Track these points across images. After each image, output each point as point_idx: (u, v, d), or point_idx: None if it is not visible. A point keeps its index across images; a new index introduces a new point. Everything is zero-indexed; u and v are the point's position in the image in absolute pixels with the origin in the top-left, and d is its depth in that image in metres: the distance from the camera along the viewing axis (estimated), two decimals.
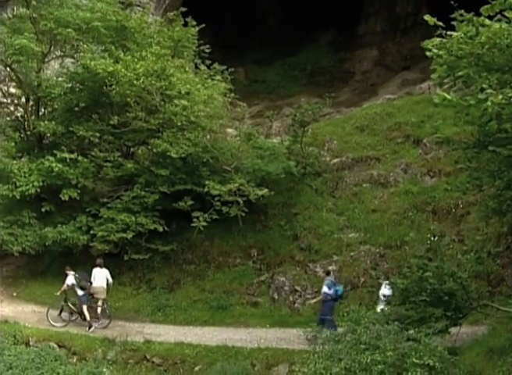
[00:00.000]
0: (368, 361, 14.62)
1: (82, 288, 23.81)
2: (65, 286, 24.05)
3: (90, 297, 23.85)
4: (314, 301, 22.69)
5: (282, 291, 24.57)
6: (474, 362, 16.23)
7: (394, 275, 21.62)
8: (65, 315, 24.21)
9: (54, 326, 23.86)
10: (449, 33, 14.07)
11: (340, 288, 21.83)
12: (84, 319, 23.76)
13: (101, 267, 24.15)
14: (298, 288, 24.40)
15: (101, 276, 24.06)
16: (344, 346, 15.68)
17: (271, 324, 23.33)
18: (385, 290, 20.99)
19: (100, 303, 23.98)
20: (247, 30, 45.82)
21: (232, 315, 24.30)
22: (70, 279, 23.98)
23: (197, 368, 20.93)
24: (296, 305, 24.14)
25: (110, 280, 24.29)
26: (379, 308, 20.54)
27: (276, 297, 24.58)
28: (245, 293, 25.11)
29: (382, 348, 14.74)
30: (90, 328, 23.44)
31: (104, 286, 24.08)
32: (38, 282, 27.35)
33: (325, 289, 21.59)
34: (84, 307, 23.61)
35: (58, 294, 24.25)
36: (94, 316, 23.86)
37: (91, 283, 23.93)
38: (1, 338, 22.38)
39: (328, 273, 22.39)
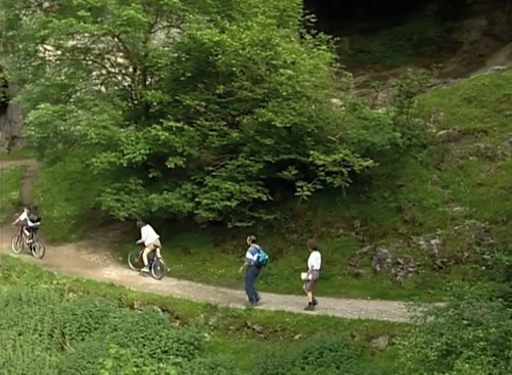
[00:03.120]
0: (470, 337, 14.42)
1: (32, 221, 28.29)
2: (17, 220, 28.96)
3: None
4: (242, 268, 23.41)
5: (385, 263, 24.40)
6: None
7: (499, 251, 21.24)
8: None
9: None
10: None
11: (262, 255, 22.97)
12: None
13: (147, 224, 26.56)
14: (400, 261, 24.16)
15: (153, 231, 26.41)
16: (446, 321, 15.51)
17: (372, 296, 23.22)
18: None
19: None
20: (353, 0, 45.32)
21: (333, 285, 24.30)
22: (23, 215, 28.55)
23: (296, 336, 21.07)
24: (398, 277, 23.93)
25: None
26: None
27: (378, 269, 24.44)
28: (347, 264, 25.05)
29: (485, 325, 14.50)
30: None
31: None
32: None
33: (248, 255, 22.97)
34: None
35: (13, 225, 29.37)
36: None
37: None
38: (107, 301, 23.07)
39: (254, 241, 23.31)
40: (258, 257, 22.93)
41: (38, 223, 28.89)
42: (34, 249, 28.49)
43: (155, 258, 26.35)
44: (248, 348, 21.10)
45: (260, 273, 23.70)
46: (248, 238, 23.68)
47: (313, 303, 22.48)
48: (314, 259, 22.44)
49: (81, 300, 23.22)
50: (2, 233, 31.00)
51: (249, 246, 23.32)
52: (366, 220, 25.97)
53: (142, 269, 26.48)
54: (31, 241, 28.60)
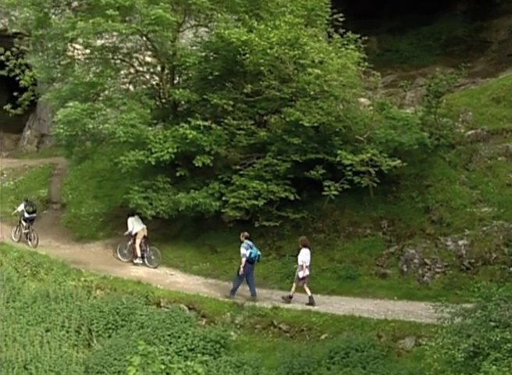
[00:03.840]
0: (498, 339, 14.32)
1: (28, 212, 29.79)
2: (15, 211, 30.74)
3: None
4: (241, 265, 23.56)
5: (412, 264, 24.27)
6: None
7: None
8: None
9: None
10: None
11: (254, 251, 23.58)
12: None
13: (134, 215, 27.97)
14: (428, 261, 24.02)
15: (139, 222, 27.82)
16: (473, 322, 15.39)
17: (399, 296, 23.13)
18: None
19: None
20: None
21: (360, 285, 24.25)
22: (21, 206, 30.28)
23: (323, 336, 21.04)
24: (425, 278, 23.80)
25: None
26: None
27: (405, 269, 24.31)
28: (374, 264, 24.95)
29: None
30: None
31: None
32: (170, 245, 28.07)
33: (242, 250, 23.56)
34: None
35: (12, 214, 31.28)
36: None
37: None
38: (134, 298, 23.21)
39: (247, 238, 23.84)
40: (250, 253, 23.49)
41: (34, 215, 30.41)
42: (30, 239, 29.91)
43: (148, 249, 27.66)
44: (274, 347, 21.14)
45: (253, 269, 24.04)
46: (241, 235, 24.09)
47: (290, 296, 23.32)
48: (304, 255, 23.17)
49: (108, 297, 23.40)
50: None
51: (242, 242, 23.83)
52: (393, 220, 25.86)
53: (135, 261, 27.69)
54: (27, 230, 30.10)
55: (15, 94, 34.52)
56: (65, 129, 27.36)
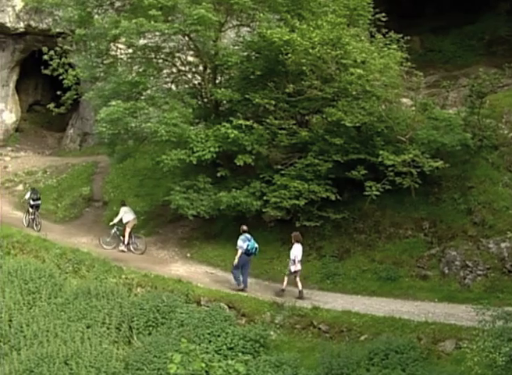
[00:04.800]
0: None
1: (33, 199, 32.17)
2: (23, 199, 33.51)
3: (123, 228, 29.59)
4: (237, 257, 24.39)
5: (453, 266, 24.04)
6: None
7: None
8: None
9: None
10: None
11: (251, 244, 24.35)
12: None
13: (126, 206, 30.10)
14: (469, 263, 23.78)
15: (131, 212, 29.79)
16: None
17: (439, 299, 22.90)
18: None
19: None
20: None
21: (400, 287, 24.05)
22: (27, 194, 32.83)
23: (362, 337, 20.93)
24: (466, 280, 23.55)
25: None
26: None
27: (446, 271, 24.09)
28: (415, 265, 24.74)
29: None
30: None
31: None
32: (211, 244, 28.18)
33: (239, 242, 24.38)
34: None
35: (22, 201, 34.20)
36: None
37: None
38: (175, 296, 23.29)
39: (244, 231, 24.56)
40: (248, 245, 24.24)
41: (38, 202, 32.67)
42: (36, 224, 32.30)
43: (133, 236, 29.53)
44: (313, 348, 21.06)
45: (250, 261, 24.89)
46: (241, 228, 24.85)
47: (282, 290, 24.18)
48: (296, 250, 23.97)
49: (149, 295, 23.51)
50: (74, 228, 31.69)
51: (240, 235, 24.54)
52: (435, 222, 25.64)
53: (120, 247, 29.50)
54: (32, 216, 32.52)
55: (58, 93, 34.94)
56: (107, 127, 27.66)
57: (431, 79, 36.41)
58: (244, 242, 24.39)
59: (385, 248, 25.60)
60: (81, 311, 22.57)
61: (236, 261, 24.39)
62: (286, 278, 24.21)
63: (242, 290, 24.52)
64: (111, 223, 29.96)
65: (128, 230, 29.51)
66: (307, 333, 22.03)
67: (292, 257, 23.94)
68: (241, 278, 24.65)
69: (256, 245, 24.58)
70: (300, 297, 23.66)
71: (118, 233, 29.89)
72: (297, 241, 24.14)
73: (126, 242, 29.44)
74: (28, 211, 32.69)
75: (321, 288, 24.66)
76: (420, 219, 25.88)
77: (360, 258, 25.48)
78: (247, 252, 24.42)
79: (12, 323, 22.12)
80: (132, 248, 29.39)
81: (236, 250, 24.59)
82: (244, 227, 24.83)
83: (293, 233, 24.47)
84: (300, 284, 23.92)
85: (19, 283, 24.13)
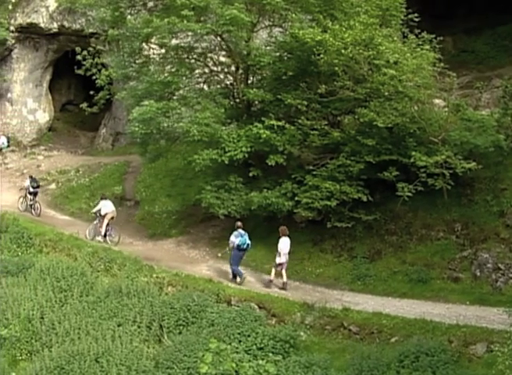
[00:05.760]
0: None
1: (33, 187, 35.10)
2: (22, 186, 36.38)
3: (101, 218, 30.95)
4: (227, 249, 25.89)
5: (485, 268, 23.83)
6: None
7: None
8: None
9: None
10: None
11: (243, 239, 25.21)
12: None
13: (106, 199, 31.60)
14: (502, 266, 23.56)
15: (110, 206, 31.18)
16: None
17: (471, 301, 22.69)
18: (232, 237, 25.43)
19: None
20: None
21: (431, 289, 23.88)
22: (27, 182, 35.73)
23: (393, 339, 20.79)
24: (498, 283, 23.31)
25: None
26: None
27: (478, 274, 23.88)
28: (446, 267, 24.53)
29: None
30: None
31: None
32: None
33: (232, 238, 25.45)
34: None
35: (20, 189, 36.48)
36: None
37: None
38: (205, 296, 23.32)
39: (239, 227, 25.49)
40: (239, 241, 25.18)
41: (37, 189, 35.61)
42: (34, 209, 35.06)
43: (110, 228, 30.76)
44: (344, 349, 20.99)
45: (243, 257, 25.91)
46: (235, 224, 25.74)
47: (270, 281, 25.28)
48: (282, 243, 25.01)
49: (180, 294, 23.58)
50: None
51: (235, 230, 25.48)
52: (467, 224, 25.43)
53: (97, 238, 30.78)
54: (32, 202, 35.22)
55: (91, 92, 35.26)
56: (140, 127, 27.82)
57: (464, 80, 36.07)
58: (236, 238, 25.26)
59: (417, 250, 25.43)
60: (112, 309, 22.71)
61: (232, 256, 25.54)
62: (273, 269, 25.30)
63: (235, 281, 25.54)
64: (91, 212, 32.23)
65: (106, 221, 30.69)
66: (337, 334, 21.94)
67: (278, 250, 24.92)
68: (236, 270, 25.63)
69: (248, 241, 25.36)
70: (283, 288, 24.70)
71: (98, 225, 31.13)
72: (284, 235, 25.07)
73: (103, 233, 30.71)
74: (26, 196, 35.25)
75: (352, 289, 24.60)
76: (452, 221, 25.69)
77: (391, 260, 25.36)
78: (239, 248, 25.29)
79: (43, 320, 22.34)
80: (108, 240, 30.58)
81: (228, 245, 25.78)
82: (239, 223, 25.66)
83: (281, 228, 25.34)
84: (284, 276, 24.98)
85: (51, 281, 24.36)
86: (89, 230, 31.33)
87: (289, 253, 25.13)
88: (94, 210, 31.42)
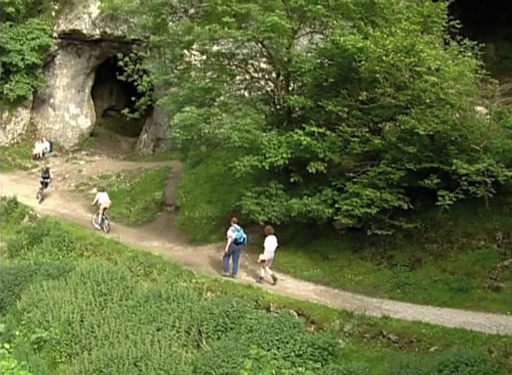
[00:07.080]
0: None
1: (43, 177, 39.08)
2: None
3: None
4: (227, 246, 26.96)
5: None
6: None
7: None
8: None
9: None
10: None
11: (240, 234, 26.80)
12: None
13: (103, 191, 34.88)
14: None
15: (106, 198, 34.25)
16: None
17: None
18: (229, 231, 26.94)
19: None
20: (498, 5, 44.08)
21: (472, 298, 23.58)
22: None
23: (432, 348, 20.70)
24: None
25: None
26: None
27: None
28: (487, 277, 24.25)
29: None
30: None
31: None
32: (282, 251, 28.08)
33: (229, 232, 26.90)
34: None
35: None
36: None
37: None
38: (244, 302, 23.44)
39: (235, 222, 27.08)
40: (236, 235, 26.70)
41: (47, 180, 39.28)
42: (37, 196, 38.69)
43: (104, 218, 33.53)
44: (382, 357, 20.94)
45: (240, 250, 27.34)
46: (231, 220, 27.34)
47: (261, 277, 26.37)
48: (267, 242, 26.34)
49: (219, 300, 23.72)
50: (146, 231, 32.06)
51: (231, 226, 27.02)
52: (509, 233, 25.12)
53: (95, 226, 33.62)
54: (42, 191, 38.93)
55: (132, 98, 35.50)
56: (181, 133, 27.98)
57: (506, 87, 35.85)
58: (234, 232, 26.72)
59: (457, 259, 25.19)
60: (152, 314, 22.91)
61: (226, 249, 26.91)
62: (261, 267, 26.45)
63: (232, 277, 26.69)
64: (91, 204, 35.22)
65: (100, 211, 33.69)
66: (376, 342, 21.90)
67: (265, 247, 26.25)
68: (232, 265, 27.01)
69: (244, 236, 26.92)
70: (259, 281, 26.22)
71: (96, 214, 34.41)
72: (270, 234, 26.49)
73: (99, 221, 33.67)
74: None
75: (392, 297, 24.43)
76: (493, 230, 25.42)
77: (431, 269, 25.15)
78: (236, 242, 26.74)
79: (83, 323, 22.66)
80: (103, 227, 33.47)
81: (226, 239, 27.05)
82: (234, 219, 27.31)
83: (266, 227, 26.79)
84: (263, 272, 26.35)
85: (91, 285, 24.65)
86: (94, 219, 34.15)
87: (274, 251, 26.48)
88: (93, 202, 34.54)
